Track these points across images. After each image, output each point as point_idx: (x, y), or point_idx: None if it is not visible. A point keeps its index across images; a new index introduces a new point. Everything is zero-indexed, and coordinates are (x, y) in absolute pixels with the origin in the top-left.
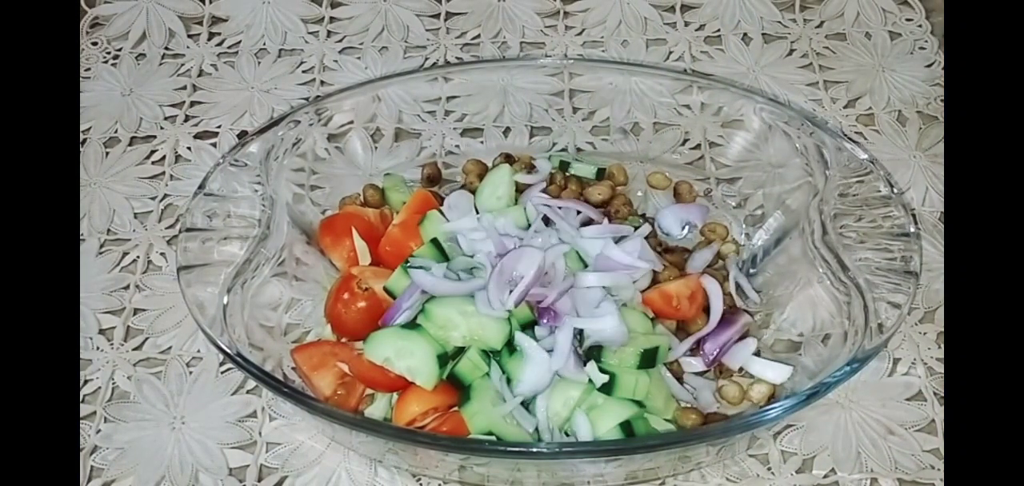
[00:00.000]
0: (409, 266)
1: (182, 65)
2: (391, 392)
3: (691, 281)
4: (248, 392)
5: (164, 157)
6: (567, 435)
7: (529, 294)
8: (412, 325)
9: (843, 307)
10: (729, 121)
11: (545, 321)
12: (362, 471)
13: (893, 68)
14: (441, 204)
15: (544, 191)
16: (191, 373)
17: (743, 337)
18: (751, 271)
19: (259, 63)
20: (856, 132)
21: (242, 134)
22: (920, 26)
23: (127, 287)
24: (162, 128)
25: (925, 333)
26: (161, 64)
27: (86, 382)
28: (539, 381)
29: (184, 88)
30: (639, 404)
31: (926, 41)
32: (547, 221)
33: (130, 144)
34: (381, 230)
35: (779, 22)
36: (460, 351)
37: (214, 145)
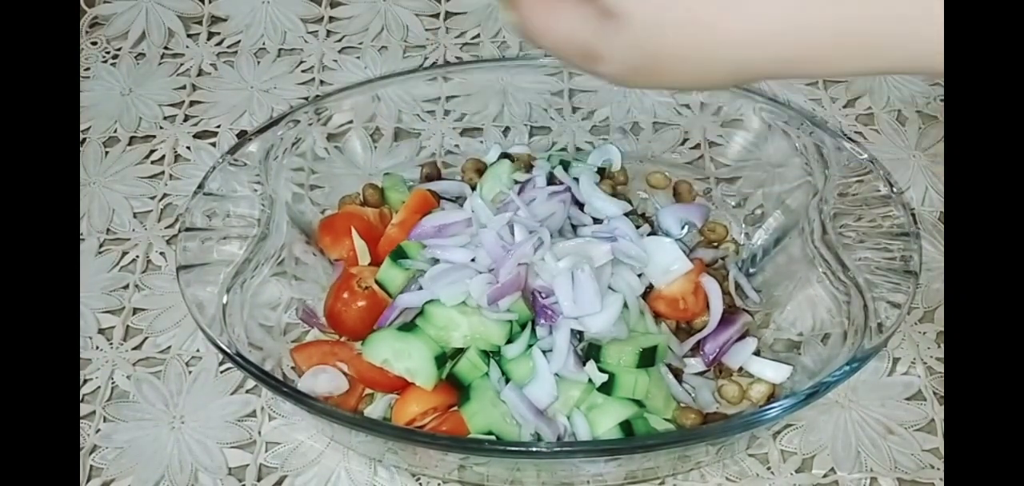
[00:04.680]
0: (399, 261)
1: (181, 65)
2: (391, 392)
3: (692, 276)
4: (247, 392)
5: (163, 157)
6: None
7: (534, 288)
8: (410, 326)
9: (843, 307)
10: (729, 121)
11: (543, 320)
12: (362, 471)
13: None
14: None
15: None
16: (190, 373)
17: (743, 337)
18: (751, 271)
19: (258, 63)
20: (856, 132)
21: (242, 133)
22: None
23: (126, 287)
24: (161, 128)
25: (925, 333)
26: (160, 64)
27: (85, 382)
28: (545, 394)
29: (183, 88)
30: (639, 403)
31: None
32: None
33: (129, 144)
34: (381, 229)
35: None
36: (458, 351)
37: (214, 145)
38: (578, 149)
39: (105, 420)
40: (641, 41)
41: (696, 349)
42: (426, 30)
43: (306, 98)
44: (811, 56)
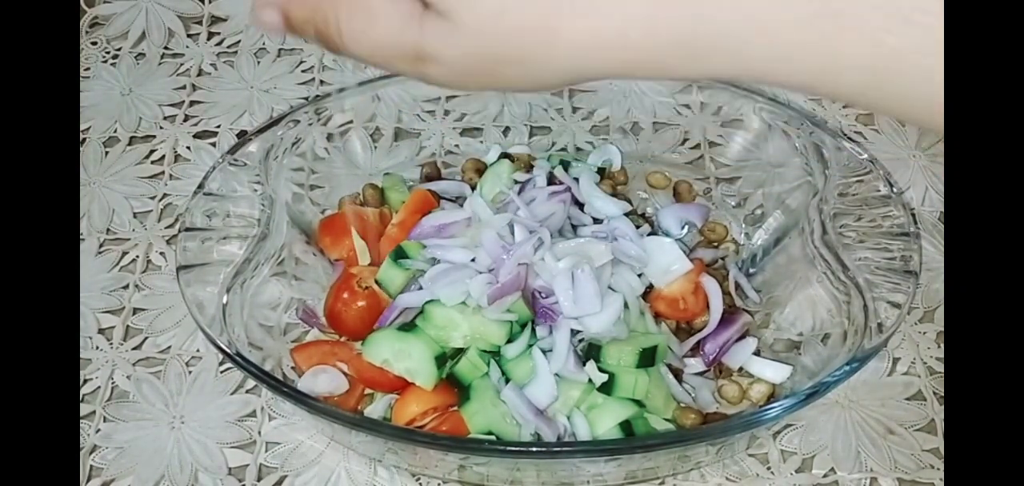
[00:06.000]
0: (399, 261)
1: (181, 65)
2: (391, 392)
3: (692, 276)
4: (247, 392)
5: (163, 157)
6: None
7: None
8: (410, 326)
9: (843, 306)
10: (729, 121)
11: (543, 320)
12: (361, 470)
13: None
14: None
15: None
16: (190, 373)
17: (743, 337)
18: (751, 271)
19: (258, 63)
20: (856, 131)
21: (241, 133)
22: None
23: (126, 286)
24: (161, 128)
25: (925, 333)
26: (160, 64)
27: (85, 382)
28: (545, 394)
29: (183, 88)
30: (639, 403)
31: None
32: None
33: (129, 144)
34: (380, 230)
35: None
36: (458, 351)
37: (214, 145)
38: (578, 149)
39: (105, 420)
40: (476, 45)
41: (696, 349)
42: None
43: (306, 98)
44: (650, 60)
